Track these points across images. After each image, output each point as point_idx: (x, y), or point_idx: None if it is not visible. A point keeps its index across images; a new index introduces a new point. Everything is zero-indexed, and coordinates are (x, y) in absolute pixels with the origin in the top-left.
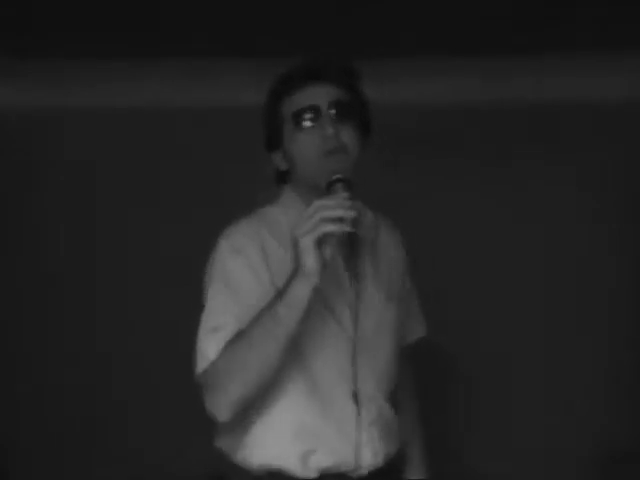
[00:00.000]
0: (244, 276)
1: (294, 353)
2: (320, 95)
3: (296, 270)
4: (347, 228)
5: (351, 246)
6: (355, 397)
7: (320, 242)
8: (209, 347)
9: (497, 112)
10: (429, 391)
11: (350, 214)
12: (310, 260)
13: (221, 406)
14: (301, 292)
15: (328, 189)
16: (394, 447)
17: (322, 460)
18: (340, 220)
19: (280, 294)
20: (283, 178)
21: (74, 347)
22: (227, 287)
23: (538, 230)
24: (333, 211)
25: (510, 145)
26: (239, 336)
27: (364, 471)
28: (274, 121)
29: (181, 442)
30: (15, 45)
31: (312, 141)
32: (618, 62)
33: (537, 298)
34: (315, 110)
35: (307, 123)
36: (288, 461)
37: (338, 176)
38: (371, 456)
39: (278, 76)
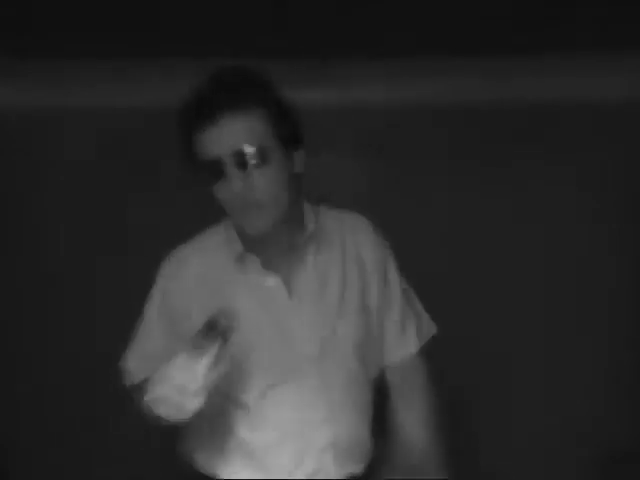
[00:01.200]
0: (157, 324)
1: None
2: (227, 139)
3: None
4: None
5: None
6: (301, 425)
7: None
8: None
9: (497, 112)
10: None
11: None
12: (196, 381)
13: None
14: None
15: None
16: (358, 467)
17: None
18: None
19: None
20: None
21: (74, 347)
22: (145, 327)
23: (538, 230)
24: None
25: (510, 145)
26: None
27: None
28: (187, 157)
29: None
30: (15, 45)
31: (223, 194)
32: (618, 62)
33: (537, 298)
34: (222, 159)
35: (216, 173)
36: None
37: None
38: None
39: (188, 99)
